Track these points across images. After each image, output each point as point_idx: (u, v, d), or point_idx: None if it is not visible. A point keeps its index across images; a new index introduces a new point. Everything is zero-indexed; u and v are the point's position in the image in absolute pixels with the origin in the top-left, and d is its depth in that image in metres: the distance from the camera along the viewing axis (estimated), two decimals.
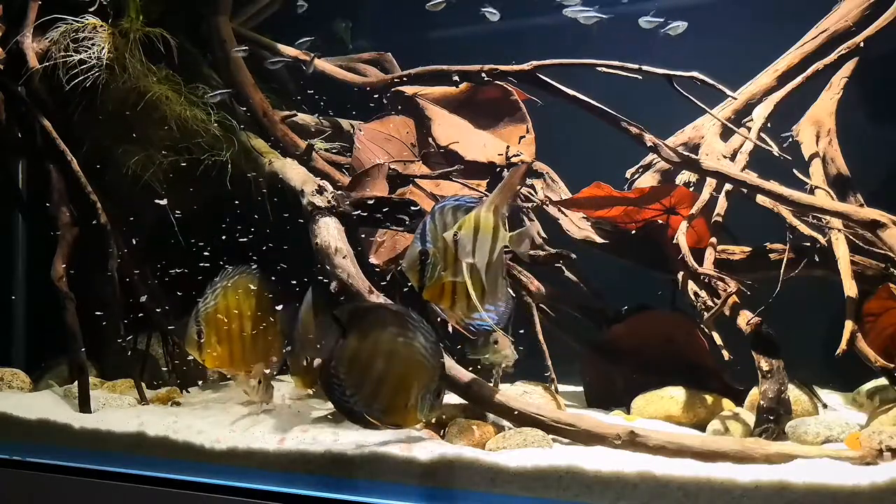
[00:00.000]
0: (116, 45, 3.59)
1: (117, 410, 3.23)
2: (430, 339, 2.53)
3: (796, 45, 3.62)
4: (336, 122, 4.14)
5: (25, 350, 4.60)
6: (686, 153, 3.27)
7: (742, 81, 3.64)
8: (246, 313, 3.19)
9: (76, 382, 3.25)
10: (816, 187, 3.28)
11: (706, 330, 3.22)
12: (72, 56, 3.52)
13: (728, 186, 3.41)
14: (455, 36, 4.19)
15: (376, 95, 3.91)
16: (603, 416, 3.14)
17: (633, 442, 2.49)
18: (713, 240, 3.34)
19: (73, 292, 3.37)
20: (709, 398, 3.16)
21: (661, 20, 3.45)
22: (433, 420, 2.81)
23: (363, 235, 3.49)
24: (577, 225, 3.66)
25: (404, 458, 2.44)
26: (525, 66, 3.44)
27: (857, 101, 3.53)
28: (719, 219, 3.39)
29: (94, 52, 3.53)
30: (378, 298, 2.92)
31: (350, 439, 2.61)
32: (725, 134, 3.60)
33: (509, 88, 3.75)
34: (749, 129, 3.45)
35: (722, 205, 3.41)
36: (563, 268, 3.64)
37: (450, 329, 2.88)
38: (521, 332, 3.30)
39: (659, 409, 3.15)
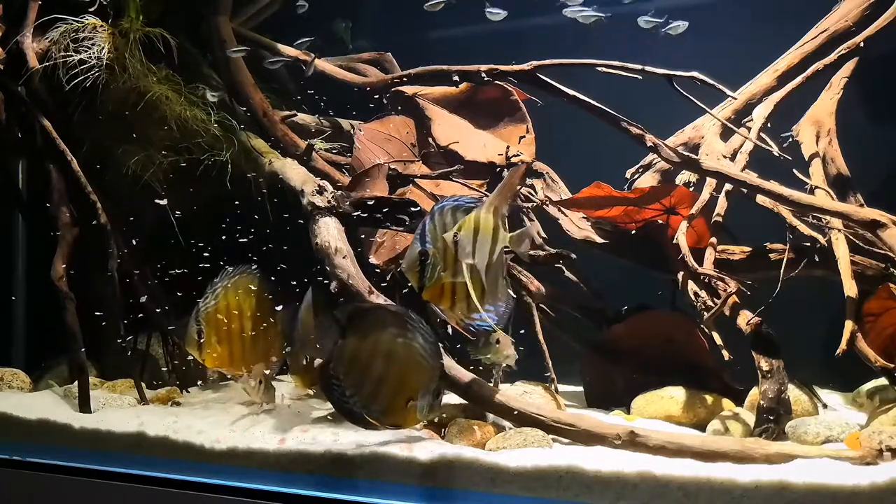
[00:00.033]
0: (116, 45, 3.59)
1: (117, 410, 3.23)
2: (429, 340, 2.53)
3: (796, 45, 3.62)
4: (336, 122, 4.14)
5: (25, 350, 4.60)
6: (686, 153, 3.27)
7: (742, 81, 3.64)
8: (246, 313, 3.19)
9: (76, 382, 3.25)
10: (816, 187, 3.28)
11: (706, 330, 3.22)
12: (72, 56, 3.52)
13: (728, 186, 3.41)
14: (455, 36, 4.19)
15: (376, 96, 3.91)
16: (603, 416, 3.14)
17: (633, 442, 2.49)
18: (713, 240, 3.34)
19: (73, 292, 3.37)
20: (709, 398, 3.16)
21: (660, 20, 3.45)
22: (436, 420, 2.81)
23: (363, 236, 3.49)
24: (577, 225, 3.66)
25: (404, 458, 2.44)
26: (525, 66, 3.44)
27: (857, 101, 3.53)
28: (719, 219, 3.39)
29: (94, 52, 3.53)
30: (378, 299, 2.92)
31: (350, 439, 2.61)
32: (725, 134, 3.60)
33: (509, 88, 3.75)
34: (749, 129, 3.45)
35: (722, 205, 3.41)
36: (563, 268, 3.64)
37: (449, 330, 2.88)
38: (522, 332, 3.30)
39: (659, 409, 3.15)
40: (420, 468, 2.42)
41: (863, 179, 3.37)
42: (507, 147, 3.72)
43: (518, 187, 3.60)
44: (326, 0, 3.87)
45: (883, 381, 3.16)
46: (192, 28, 3.98)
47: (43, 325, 4.38)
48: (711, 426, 2.98)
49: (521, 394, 3.12)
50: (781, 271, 3.18)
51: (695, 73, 3.12)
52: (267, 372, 3.21)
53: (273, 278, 3.25)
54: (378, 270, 3.35)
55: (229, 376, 3.43)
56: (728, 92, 3.17)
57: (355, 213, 3.26)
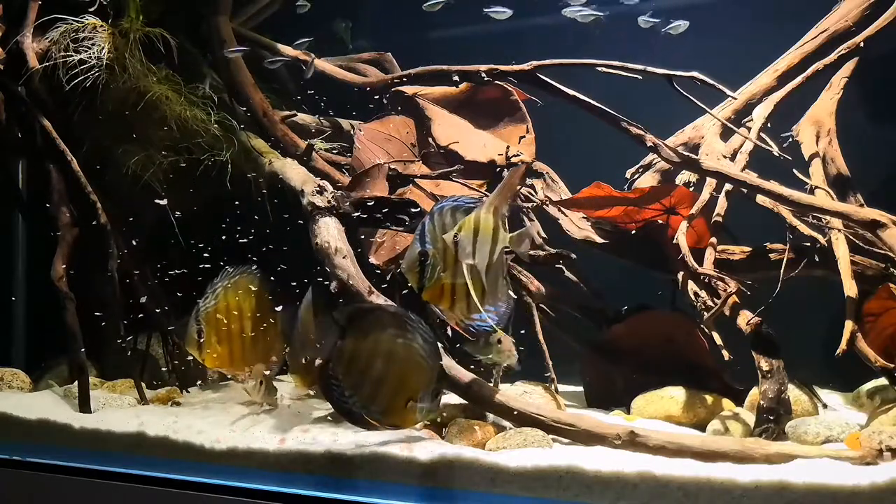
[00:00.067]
0: (116, 45, 3.59)
1: (117, 410, 3.23)
2: (428, 340, 2.53)
3: (796, 45, 3.62)
4: (336, 122, 4.14)
5: (25, 350, 4.60)
6: (686, 153, 3.27)
7: (742, 81, 3.64)
8: (246, 313, 3.20)
9: (76, 382, 3.25)
10: (816, 187, 3.28)
11: (706, 330, 3.22)
12: (72, 56, 3.52)
13: (728, 186, 3.41)
14: (455, 36, 4.19)
15: (377, 97, 3.91)
16: (603, 416, 3.14)
17: (633, 442, 2.49)
18: (713, 240, 3.34)
19: (73, 292, 3.37)
20: (709, 398, 3.16)
21: (658, 20, 3.45)
22: (437, 420, 2.81)
23: (362, 237, 3.49)
24: (577, 225, 3.66)
25: (404, 458, 2.44)
26: (525, 66, 3.44)
27: (857, 101, 3.53)
28: (719, 219, 3.39)
29: (94, 52, 3.53)
30: (378, 299, 2.92)
31: (350, 439, 2.61)
32: (725, 134, 3.60)
33: (509, 88, 3.75)
34: (749, 129, 3.45)
35: (722, 205, 3.41)
36: (563, 268, 3.64)
37: (449, 332, 2.88)
38: (522, 332, 3.30)
39: (659, 409, 3.15)
40: (420, 468, 2.42)
41: (863, 179, 3.37)
42: (507, 147, 3.71)
43: (518, 187, 3.60)
44: (326, 0, 3.86)
45: (883, 381, 3.16)
46: (192, 28, 3.98)
47: (43, 325, 4.38)
48: (711, 426, 2.98)
49: (521, 394, 3.12)
50: (781, 271, 3.18)
51: (695, 73, 3.12)
52: (267, 373, 3.21)
53: (273, 279, 3.25)
54: (378, 272, 3.35)
55: (229, 376, 3.43)
56: (728, 92, 3.17)
57: (355, 214, 3.26)
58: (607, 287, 3.70)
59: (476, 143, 3.75)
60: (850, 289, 2.97)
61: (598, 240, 3.62)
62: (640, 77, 3.19)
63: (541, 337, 3.42)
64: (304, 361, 3.10)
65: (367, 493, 2.42)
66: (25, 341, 4.61)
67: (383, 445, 2.52)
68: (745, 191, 3.33)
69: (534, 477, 2.31)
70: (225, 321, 3.15)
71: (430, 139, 3.81)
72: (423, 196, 3.57)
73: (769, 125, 3.45)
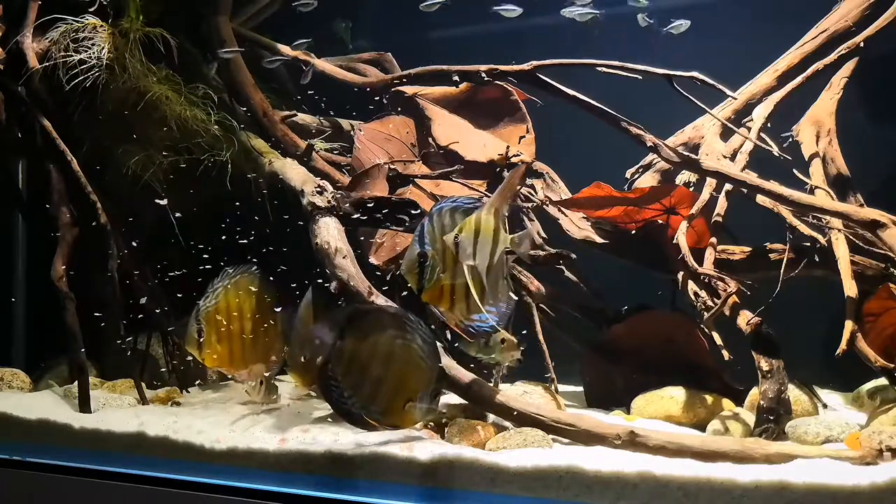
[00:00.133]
0: (116, 45, 3.59)
1: (117, 410, 3.23)
2: (428, 341, 2.53)
3: (796, 45, 3.62)
4: (336, 122, 4.14)
5: (25, 350, 4.60)
6: (686, 153, 3.27)
7: (742, 81, 3.64)
8: (246, 313, 3.20)
9: (76, 382, 3.25)
10: (816, 187, 3.28)
11: (706, 330, 3.22)
12: (72, 56, 3.52)
13: (728, 186, 3.41)
14: (455, 36, 4.19)
15: (377, 97, 3.91)
16: (603, 416, 3.14)
17: (633, 442, 2.49)
18: (713, 240, 3.34)
19: (73, 292, 3.37)
20: (709, 398, 3.16)
21: (653, 20, 3.45)
22: (441, 421, 2.81)
23: (362, 238, 3.49)
24: (577, 225, 3.66)
25: (404, 458, 2.44)
26: (525, 66, 3.44)
27: (857, 101, 3.53)
28: (719, 219, 3.39)
29: (94, 52, 3.53)
30: (378, 299, 2.92)
31: (350, 439, 2.61)
32: (725, 134, 3.60)
33: (509, 88, 3.75)
34: (749, 129, 3.45)
35: (722, 205, 3.41)
36: (563, 268, 3.64)
37: (448, 335, 2.89)
38: (524, 332, 3.30)
39: (659, 409, 3.15)
40: (420, 468, 2.42)
41: (863, 179, 3.37)
42: (507, 147, 3.71)
43: (518, 188, 3.60)
44: (326, 0, 3.86)
45: (883, 381, 3.16)
46: (192, 28, 3.98)
47: (43, 325, 4.38)
48: (711, 426, 2.98)
49: (521, 394, 3.12)
50: (781, 271, 3.18)
51: (695, 73, 3.12)
52: (266, 374, 3.22)
53: (273, 279, 3.25)
54: (379, 273, 3.35)
55: (229, 376, 3.43)
56: (728, 92, 3.17)
57: (355, 214, 3.26)
58: (607, 287, 3.70)
59: (476, 143, 3.75)
60: (850, 289, 2.97)
61: (598, 240, 3.62)
62: (640, 77, 3.19)
63: (541, 337, 3.42)
64: (302, 360, 3.10)
65: (367, 493, 2.42)
66: (25, 341, 4.61)
67: (383, 445, 2.52)
68: (745, 191, 3.33)
69: (534, 477, 2.31)
70: (225, 321, 3.15)
71: (430, 139, 3.81)
72: (423, 196, 3.57)
73: (769, 125, 3.45)
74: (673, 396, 3.16)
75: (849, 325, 2.89)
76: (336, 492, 2.43)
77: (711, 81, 3.11)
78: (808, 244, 3.27)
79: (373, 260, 3.44)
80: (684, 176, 3.67)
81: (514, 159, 3.66)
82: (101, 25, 3.61)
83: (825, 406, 3.28)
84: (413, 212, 3.21)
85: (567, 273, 3.67)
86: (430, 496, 2.42)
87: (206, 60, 3.91)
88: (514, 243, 2.53)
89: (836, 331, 2.89)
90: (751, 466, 2.28)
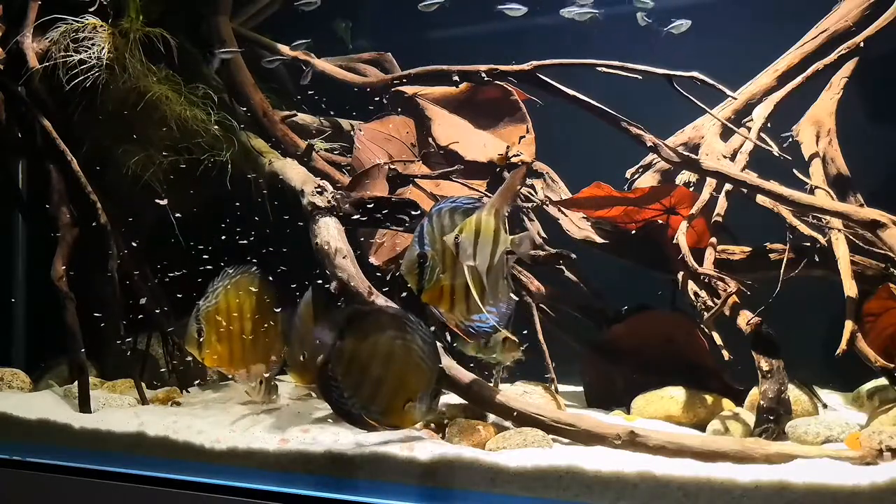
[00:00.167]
0: (116, 45, 3.59)
1: (117, 410, 3.23)
2: (428, 342, 2.53)
3: (796, 45, 3.62)
4: (336, 122, 4.14)
5: (25, 350, 4.60)
6: (686, 153, 3.27)
7: (742, 81, 3.64)
8: (246, 313, 3.20)
9: (76, 382, 3.25)
10: (816, 187, 3.28)
11: (706, 330, 3.22)
12: (72, 56, 3.52)
13: (728, 186, 3.41)
14: (455, 36, 4.19)
15: (377, 97, 3.91)
16: (603, 416, 3.14)
17: (633, 442, 2.49)
18: (713, 240, 3.34)
19: (73, 292, 3.37)
20: (709, 398, 3.16)
21: (651, 20, 3.45)
22: (441, 421, 2.81)
23: (362, 239, 3.49)
24: (577, 225, 3.66)
25: (404, 458, 2.44)
26: (525, 66, 3.44)
27: (857, 101, 3.53)
28: (719, 219, 3.39)
29: (94, 52, 3.53)
30: (378, 299, 2.92)
31: (350, 439, 2.61)
32: (725, 134, 3.60)
33: (509, 88, 3.75)
34: (749, 129, 3.45)
35: (722, 205, 3.41)
36: (563, 268, 3.64)
37: (449, 337, 2.89)
38: (525, 332, 3.30)
39: (659, 409, 3.15)
40: (420, 468, 2.42)
41: (863, 179, 3.37)
42: (508, 147, 3.72)
43: (518, 188, 3.60)
44: (326, 0, 3.86)
45: (883, 381, 3.16)
46: (192, 28, 3.98)
47: (43, 325, 4.38)
48: (711, 426, 2.98)
49: (521, 394, 3.12)
50: (781, 271, 3.18)
51: (695, 73, 3.12)
52: (266, 375, 3.22)
53: (272, 279, 3.25)
54: (379, 274, 3.35)
55: (229, 376, 3.43)
56: (728, 92, 3.17)
57: (355, 214, 3.26)
58: (607, 287, 3.70)
59: (476, 143, 3.75)
60: (850, 289, 2.97)
61: (598, 240, 3.62)
62: (640, 77, 3.19)
63: (541, 337, 3.42)
64: (301, 359, 3.10)
65: (367, 493, 2.42)
66: (25, 341, 4.61)
67: (383, 445, 2.52)
68: (745, 191, 3.33)
69: (534, 477, 2.31)
70: (225, 321, 3.15)
71: (430, 139, 3.81)
72: (423, 196, 3.57)
73: (769, 125, 3.45)
74: (673, 396, 3.16)
75: (849, 325, 2.89)
76: (336, 492, 2.43)
77: (711, 81, 3.11)
78: (808, 244, 3.27)
79: (373, 260, 3.44)
80: (684, 176, 3.67)
81: (514, 159, 3.66)
82: (101, 25, 3.61)
83: (825, 406, 3.28)
84: (413, 212, 3.21)
85: (567, 273, 3.66)
86: (430, 496, 2.42)
87: (206, 60, 3.91)
88: (514, 244, 2.53)
89: (836, 331, 2.89)
90: (751, 466, 2.28)
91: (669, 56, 3.20)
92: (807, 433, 2.71)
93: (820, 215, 3.14)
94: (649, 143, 3.21)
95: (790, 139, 3.50)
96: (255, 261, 3.23)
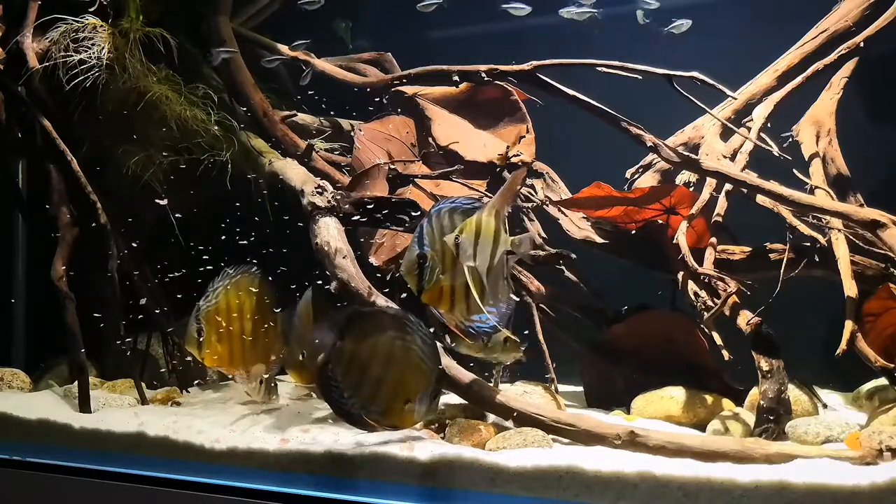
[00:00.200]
0: (116, 45, 3.59)
1: (117, 410, 3.23)
2: (428, 342, 2.53)
3: (796, 45, 3.62)
4: (336, 122, 4.14)
5: (25, 350, 4.60)
6: (686, 153, 3.27)
7: (742, 81, 3.64)
8: (246, 314, 3.20)
9: (76, 382, 3.25)
10: (816, 187, 3.28)
11: (706, 330, 3.22)
12: (72, 56, 3.52)
13: (728, 186, 3.41)
14: (455, 36, 4.19)
15: (377, 97, 3.91)
16: (603, 416, 3.14)
17: (633, 442, 2.49)
18: (713, 240, 3.34)
19: (73, 292, 3.37)
20: (709, 398, 3.16)
21: (649, 20, 3.45)
22: (438, 423, 2.81)
23: (362, 239, 3.49)
24: (577, 225, 3.66)
25: (404, 458, 2.44)
26: (525, 66, 3.44)
27: (857, 101, 3.53)
28: (719, 219, 3.39)
29: (94, 52, 3.53)
30: (378, 299, 2.92)
31: (350, 439, 2.61)
32: (725, 134, 3.60)
33: (509, 88, 3.75)
34: (749, 129, 3.45)
35: (722, 205, 3.41)
36: (564, 268, 3.64)
37: (448, 338, 2.89)
38: (526, 332, 3.30)
39: (659, 409, 3.15)
40: (420, 468, 2.42)
41: (863, 179, 3.37)
42: (508, 147, 3.72)
43: (518, 189, 3.60)
44: (326, 0, 3.87)
45: (883, 381, 3.16)
46: (192, 28, 3.98)
47: (43, 325, 4.38)
48: (711, 426, 2.98)
49: (521, 394, 3.12)
50: (781, 271, 3.18)
51: (695, 73, 3.12)
52: (266, 376, 3.22)
53: (272, 279, 3.25)
54: (379, 275, 3.35)
55: (229, 376, 3.43)
56: (728, 92, 3.17)
57: (355, 214, 3.26)
58: (607, 287, 3.70)
59: (476, 143, 3.75)
60: (850, 289, 2.97)
61: (598, 240, 3.62)
62: (640, 77, 3.19)
63: (541, 337, 3.42)
64: (300, 358, 3.10)
65: (367, 493, 2.42)
66: (25, 341, 4.61)
67: (383, 445, 2.52)
68: (745, 191, 3.33)
69: (534, 477, 2.31)
70: (225, 321, 3.15)
71: (430, 139, 3.81)
72: (423, 196, 3.57)
73: (769, 125, 3.45)
74: (673, 396, 3.16)
75: (849, 325, 2.89)
76: (336, 492, 2.43)
77: (711, 81, 3.11)
78: (808, 244, 3.27)
79: (372, 260, 3.44)
80: (684, 176, 3.67)
81: (514, 159, 3.67)
82: (101, 25, 3.61)
83: (825, 406, 3.28)
84: (413, 213, 3.21)
85: (567, 273, 3.66)
86: (430, 496, 2.42)
87: (207, 60, 3.91)
88: (514, 245, 2.53)
89: (836, 331, 2.89)
90: (751, 466, 2.28)
91: (669, 56, 3.20)
92: (807, 433, 2.71)
93: (820, 215, 3.14)
94: (649, 143, 3.21)
95: (790, 139, 3.50)
96: (255, 261, 3.23)
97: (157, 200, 3.41)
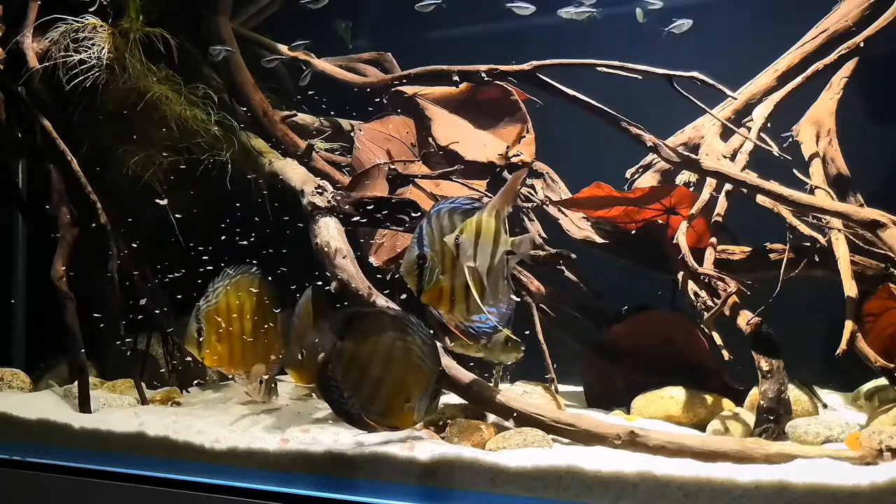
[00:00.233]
0: (116, 45, 3.59)
1: (117, 410, 3.23)
2: (428, 343, 2.53)
3: (796, 45, 3.62)
4: (336, 122, 4.14)
5: (25, 350, 4.60)
6: (686, 153, 3.27)
7: (742, 81, 3.64)
8: (247, 314, 3.20)
9: (76, 382, 3.25)
10: (816, 187, 3.28)
11: (706, 330, 3.22)
12: (72, 56, 3.52)
13: (728, 186, 3.41)
14: (455, 36, 4.19)
15: (377, 98, 3.91)
16: (603, 416, 3.14)
17: (633, 442, 2.49)
18: (713, 240, 3.34)
19: (73, 292, 3.37)
20: (709, 398, 3.16)
21: (648, 20, 3.46)
22: (439, 423, 2.81)
23: (362, 240, 3.49)
24: (577, 225, 3.66)
25: (404, 458, 2.44)
26: (525, 66, 3.44)
27: (857, 101, 3.53)
28: (719, 219, 3.39)
29: (94, 52, 3.53)
30: (378, 299, 2.92)
31: (350, 439, 2.61)
32: (725, 134, 3.60)
33: (509, 88, 3.75)
34: (749, 129, 3.45)
35: (722, 205, 3.41)
36: (564, 268, 3.64)
37: (448, 340, 2.89)
38: (527, 332, 3.30)
39: (659, 409, 3.15)
40: (420, 468, 2.42)
41: (863, 179, 3.37)
42: (508, 147, 3.71)
43: (518, 189, 3.60)
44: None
45: (883, 381, 3.16)
46: (192, 28, 3.98)
47: (43, 325, 4.38)
48: (711, 426, 2.98)
49: (521, 394, 3.12)
50: (781, 271, 3.18)
51: (695, 73, 3.12)
52: (266, 376, 3.22)
53: (272, 279, 3.25)
54: (379, 276, 3.35)
55: (229, 376, 3.43)
56: (728, 92, 3.17)
57: (356, 215, 3.26)
58: (607, 287, 3.70)
59: (476, 143, 3.75)
60: (850, 289, 2.97)
61: (598, 240, 3.62)
62: (640, 77, 3.19)
63: (541, 337, 3.42)
64: (299, 357, 3.10)
65: (367, 493, 2.42)
66: (25, 341, 4.61)
67: (383, 445, 2.52)
68: (745, 191, 3.33)
69: (534, 477, 2.31)
70: (225, 321, 3.15)
71: (430, 139, 3.81)
72: (423, 196, 3.57)
73: (769, 125, 3.45)
74: (673, 396, 3.16)
75: (849, 325, 2.89)
76: (336, 492, 2.43)
77: (711, 81, 3.11)
78: (808, 244, 3.27)
79: (372, 260, 3.44)
80: (684, 176, 3.67)
81: (514, 159, 3.66)
82: (101, 25, 3.61)
83: (825, 406, 3.28)
84: (413, 213, 3.21)
85: (567, 273, 3.66)
86: (430, 496, 2.42)
87: (207, 61, 3.91)
88: (514, 245, 2.53)
89: (836, 331, 2.89)
90: (751, 466, 2.28)
91: (669, 56, 3.20)
92: (807, 433, 2.71)
93: (820, 215, 3.14)
94: (649, 143, 3.21)
95: (790, 139, 3.50)
96: (255, 261, 3.23)
97: (157, 200, 3.41)
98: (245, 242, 3.23)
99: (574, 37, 3.73)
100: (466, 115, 3.86)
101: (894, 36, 3.44)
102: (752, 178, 3.18)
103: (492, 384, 3.04)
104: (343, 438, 2.64)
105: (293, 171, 3.51)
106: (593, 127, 3.30)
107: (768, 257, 3.40)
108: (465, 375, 2.78)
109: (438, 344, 2.66)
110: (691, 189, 3.53)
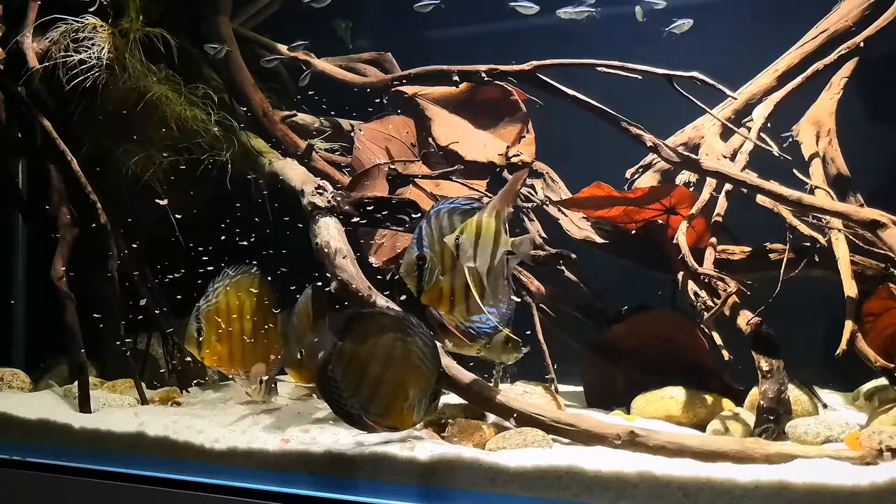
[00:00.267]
0: (116, 45, 3.59)
1: (117, 410, 3.23)
2: (428, 343, 2.53)
3: (796, 45, 3.62)
4: (336, 122, 4.14)
5: (25, 350, 4.60)
6: (686, 153, 3.27)
7: (742, 81, 3.64)
8: (246, 314, 3.20)
9: (76, 382, 3.25)
10: (816, 187, 3.28)
11: (706, 330, 3.22)
12: (72, 56, 3.52)
13: (728, 186, 3.41)
14: (455, 36, 4.19)
15: (377, 98, 3.91)
16: (603, 416, 3.14)
17: (633, 442, 2.49)
18: (713, 240, 3.34)
19: (73, 292, 3.37)
20: (709, 398, 3.16)
21: (647, 19, 3.46)
22: (441, 421, 2.81)
23: (362, 240, 3.49)
24: (577, 225, 3.66)
25: (404, 458, 2.44)
26: (525, 67, 3.44)
27: (857, 101, 3.53)
28: (719, 219, 3.39)
29: (94, 52, 3.53)
30: (378, 299, 2.92)
31: (350, 439, 2.61)
32: (725, 134, 3.60)
33: (509, 88, 3.75)
34: (749, 129, 3.45)
35: (722, 205, 3.41)
36: (564, 268, 3.64)
37: (448, 344, 2.89)
38: (528, 333, 3.30)
39: (659, 409, 3.15)
40: (420, 468, 2.42)
41: (863, 179, 3.37)
42: (508, 147, 3.71)
43: (518, 190, 3.60)
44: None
45: (883, 381, 3.16)
46: (192, 28, 3.98)
47: (43, 325, 4.38)
48: (711, 426, 2.98)
49: (521, 394, 3.12)
50: (781, 271, 3.18)
51: (695, 73, 3.12)
52: (266, 376, 3.22)
53: (271, 279, 3.25)
54: (379, 277, 3.35)
55: (229, 376, 3.43)
56: (728, 92, 3.17)
57: (356, 215, 3.26)
58: (607, 287, 3.70)
59: (476, 143, 3.75)
60: (850, 289, 2.97)
61: (598, 240, 3.62)
62: (640, 77, 3.19)
63: (541, 337, 3.42)
64: (298, 356, 3.10)
65: (367, 493, 2.42)
66: (25, 341, 4.61)
67: (383, 445, 2.52)
68: (745, 191, 3.33)
69: (534, 477, 2.31)
70: (225, 321, 3.15)
71: (430, 139, 3.81)
72: (423, 196, 3.57)
73: (769, 125, 3.45)
74: (673, 396, 3.16)
75: (849, 325, 2.89)
76: (336, 492, 2.43)
77: (711, 81, 3.12)
78: (808, 244, 3.27)
79: (372, 261, 3.44)
80: (684, 176, 3.67)
81: (514, 159, 3.66)
82: (101, 25, 3.61)
83: (825, 406, 3.28)
84: (413, 213, 3.21)
85: (567, 273, 3.66)
86: (430, 496, 2.42)
87: (207, 61, 3.91)
88: (514, 245, 2.53)
89: (836, 331, 2.89)
90: (751, 466, 2.28)
91: (670, 56, 3.20)
92: (807, 433, 2.71)
93: (820, 215, 3.14)
94: (649, 143, 3.21)
95: (790, 139, 3.50)
96: (255, 261, 3.23)
97: (157, 200, 3.41)
98: (245, 243, 3.23)
99: (574, 37, 3.73)
100: (466, 115, 3.86)
101: (894, 36, 3.44)
102: (752, 178, 3.18)
103: (492, 384, 3.04)
104: (343, 438, 2.64)
105: (293, 171, 3.52)
106: (593, 127, 3.30)
107: (768, 257, 3.40)
108: (465, 375, 2.78)
109: (438, 344, 2.66)
110: (691, 189, 3.53)
